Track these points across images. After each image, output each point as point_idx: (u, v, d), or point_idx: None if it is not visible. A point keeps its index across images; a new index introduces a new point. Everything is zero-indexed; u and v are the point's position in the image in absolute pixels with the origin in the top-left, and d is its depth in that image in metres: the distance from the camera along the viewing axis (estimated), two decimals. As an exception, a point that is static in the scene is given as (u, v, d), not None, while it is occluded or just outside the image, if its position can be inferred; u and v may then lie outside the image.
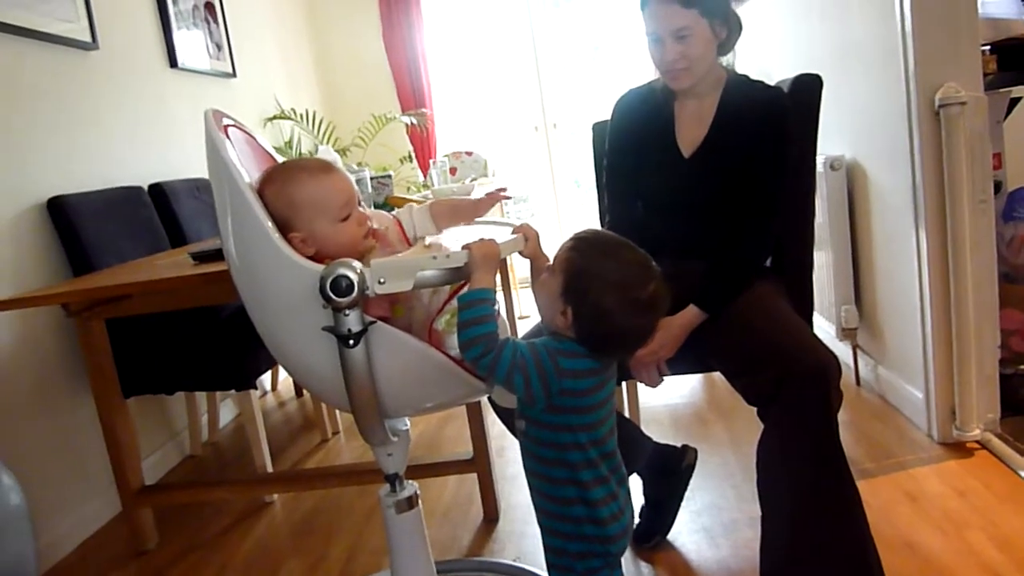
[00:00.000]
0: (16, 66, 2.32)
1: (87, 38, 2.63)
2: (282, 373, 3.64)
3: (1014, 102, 2.36)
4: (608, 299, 1.13)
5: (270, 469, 2.41)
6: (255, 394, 2.37)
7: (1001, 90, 2.23)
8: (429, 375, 1.22)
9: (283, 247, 1.15)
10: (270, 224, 1.16)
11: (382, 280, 1.12)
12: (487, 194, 1.42)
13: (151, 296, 1.99)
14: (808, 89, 1.73)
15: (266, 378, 3.57)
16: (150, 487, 2.22)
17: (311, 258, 1.17)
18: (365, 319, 1.14)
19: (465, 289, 1.19)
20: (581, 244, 1.18)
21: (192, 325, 2.43)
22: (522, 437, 1.25)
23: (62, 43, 2.51)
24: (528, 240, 1.28)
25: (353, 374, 1.16)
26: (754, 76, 1.70)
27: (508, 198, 1.50)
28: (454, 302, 1.28)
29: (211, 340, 2.42)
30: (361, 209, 1.27)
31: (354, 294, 1.11)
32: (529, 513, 2.09)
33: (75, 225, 2.33)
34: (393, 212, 1.41)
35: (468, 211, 1.43)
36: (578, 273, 1.15)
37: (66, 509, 2.25)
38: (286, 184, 1.21)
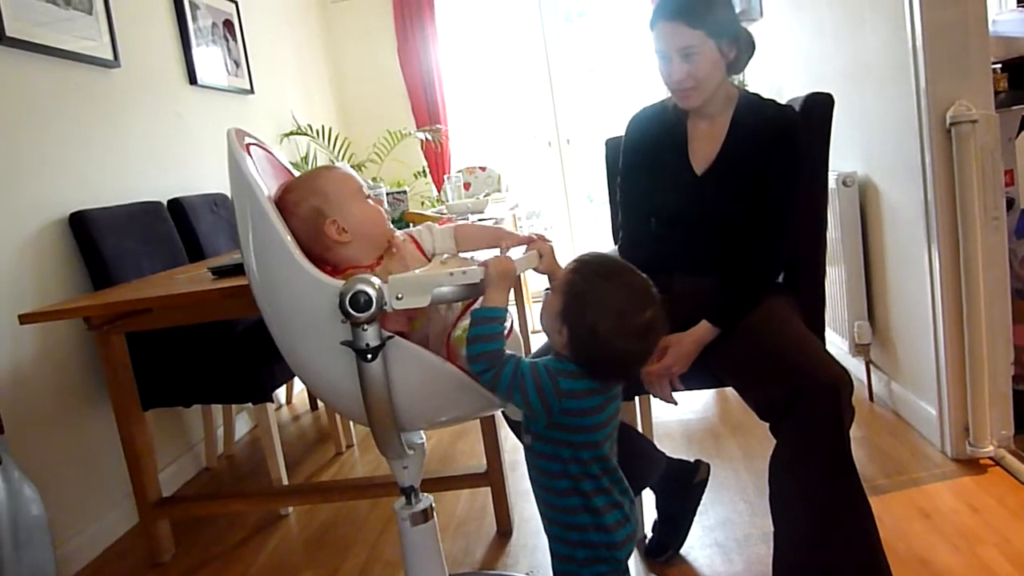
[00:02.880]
0: (40, 83, 2.37)
1: (109, 56, 2.69)
2: (297, 386, 3.67)
3: (1026, 119, 2.37)
4: (603, 323, 1.14)
5: (285, 482, 2.43)
6: (271, 407, 2.40)
7: (1013, 108, 2.23)
8: (445, 389, 1.25)
9: (303, 262, 1.18)
10: (290, 239, 1.19)
11: (399, 296, 1.15)
12: (531, 238, 1.36)
13: (171, 310, 2.02)
14: (820, 108, 1.74)
15: (281, 391, 3.60)
16: (167, 499, 2.25)
17: (342, 253, 1.25)
18: (383, 334, 1.17)
19: (478, 304, 1.22)
20: (582, 267, 1.20)
21: (209, 339, 2.46)
22: (527, 450, 1.28)
23: (85, 61, 2.57)
24: (543, 256, 1.30)
25: (371, 388, 1.19)
26: (766, 93, 1.72)
27: (548, 244, 1.38)
28: (469, 315, 1.30)
29: (228, 354, 2.44)
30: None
31: (372, 309, 1.13)
32: (542, 527, 2.10)
33: (96, 240, 2.38)
34: (409, 229, 1.43)
35: (498, 240, 1.40)
36: (576, 295, 1.17)
37: (84, 521, 2.28)
38: (309, 180, 1.31)
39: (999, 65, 2.05)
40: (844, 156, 2.58)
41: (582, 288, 1.17)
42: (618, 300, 1.16)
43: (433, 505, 1.43)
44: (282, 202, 1.27)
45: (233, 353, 2.44)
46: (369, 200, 1.33)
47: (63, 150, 2.43)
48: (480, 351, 1.16)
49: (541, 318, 1.23)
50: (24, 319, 1.90)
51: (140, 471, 2.13)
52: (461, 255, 1.40)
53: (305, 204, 1.26)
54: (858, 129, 2.50)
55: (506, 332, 1.25)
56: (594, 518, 1.21)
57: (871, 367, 2.65)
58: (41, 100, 2.37)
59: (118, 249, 2.44)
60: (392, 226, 1.38)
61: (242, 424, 3.21)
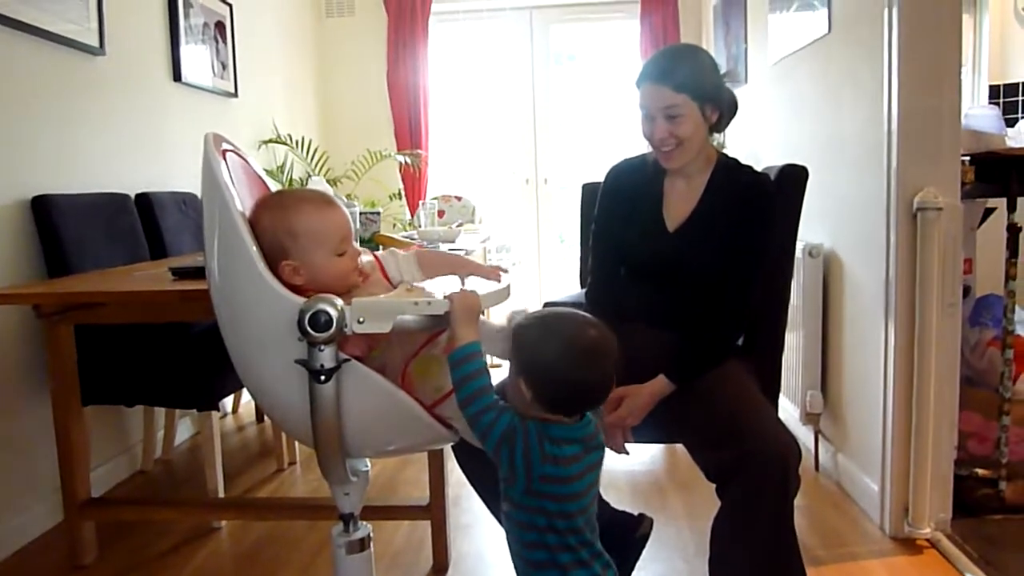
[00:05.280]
0: (20, 63, 2.33)
1: (95, 43, 2.65)
2: (244, 397, 3.59)
3: (988, 212, 2.44)
4: (549, 352, 1.17)
5: (221, 494, 2.37)
6: (215, 415, 2.34)
7: (977, 199, 2.31)
8: (397, 419, 1.23)
9: (266, 275, 1.16)
10: (255, 250, 1.17)
11: (361, 320, 1.13)
12: (491, 267, 1.40)
13: (126, 307, 1.98)
14: (794, 179, 1.79)
15: (228, 400, 3.53)
16: (96, 499, 2.17)
17: (297, 288, 1.18)
18: (340, 356, 1.15)
19: (441, 340, 1.20)
20: (524, 321, 1.22)
21: (161, 339, 2.41)
22: (504, 520, 1.26)
23: (69, 45, 2.53)
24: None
25: (320, 410, 1.16)
26: (743, 158, 1.76)
27: (500, 277, 1.43)
28: (431, 348, 1.29)
29: (179, 356, 2.39)
30: (355, 246, 1.30)
31: (331, 330, 1.11)
32: (479, 564, 2.07)
33: (57, 226, 2.32)
34: (377, 253, 1.42)
35: (459, 268, 1.42)
36: (521, 343, 1.20)
37: (7, 512, 2.19)
38: (288, 212, 1.23)
39: (968, 157, 2.12)
40: (812, 227, 2.64)
41: (524, 335, 1.20)
42: (557, 329, 1.19)
43: (371, 534, 1.40)
44: (254, 218, 1.23)
45: (184, 357, 2.39)
46: (350, 249, 1.26)
47: (35, 132, 2.38)
48: (470, 391, 1.15)
49: (507, 393, 1.22)
50: (-29, 299, 1.85)
51: (71, 468, 2.05)
52: (426, 282, 1.39)
53: (271, 234, 1.21)
54: (827, 202, 2.56)
55: None
56: None
57: (820, 437, 2.68)
58: (19, 80, 2.32)
59: (78, 238, 2.39)
60: (360, 250, 1.34)
61: (184, 429, 3.13)
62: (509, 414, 1.16)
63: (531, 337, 1.19)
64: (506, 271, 1.41)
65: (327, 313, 1.11)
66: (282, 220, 1.22)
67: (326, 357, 1.13)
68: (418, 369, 1.28)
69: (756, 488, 1.38)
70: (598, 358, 1.19)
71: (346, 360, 1.16)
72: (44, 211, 2.31)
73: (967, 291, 2.38)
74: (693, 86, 1.58)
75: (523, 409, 1.19)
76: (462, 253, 2.69)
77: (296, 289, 1.18)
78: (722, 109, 1.66)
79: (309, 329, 1.11)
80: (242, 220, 1.18)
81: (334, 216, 1.26)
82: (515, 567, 1.27)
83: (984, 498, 2.24)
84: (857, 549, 2.10)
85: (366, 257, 1.38)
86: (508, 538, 1.26)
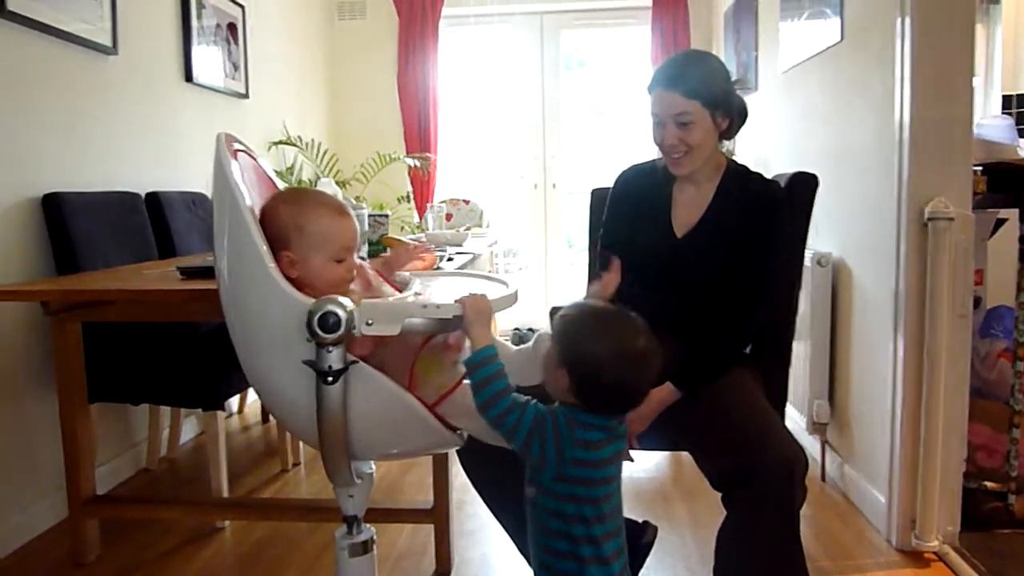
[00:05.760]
0: (34, 61, 2.34)
1: (108, 42, 2.66)
2: (250, 397, 3.60)
3: (1000, 223, 2.43)
4: (600, 351, 1.17)
5: (225, 494, 2.37)
6: (221, 415, 2.35)
7: (988, 210, 2.30)
8: (403, 422, 1.22)
9: (276, 275, 1.16)
10: (266, 249, 1.17)
11: (370, 322, 1.13)
12: (413, 247, 1.47)
13: (134, 305, 1.98)
14: (804, 187, 1.78)
15: (233, 400, 3.53)
16: (100, 497, 2.18)
17: (291, 279, 1.20)
18: (347, 358, 1.15)
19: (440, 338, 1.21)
20: (569, 312, 1.24)
21: (168, 338, 2.41)
22: (530, 506, 1.26)
23: (82, 44, 2.54)
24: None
25: (327, 411, 1.16)
26: (753, 165, 1.75)
27: (426, 258, 1.55)
28: (432, 346, 1.29)
29: (185, 356, 2.39)
30: (355, 258, 1.31)
31: (340, 332, 1.11)
32: (482, 570, 2.07)
33: (67, 223, 2.33)
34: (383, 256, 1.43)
35: (395, 263, 1.49)
36: (572, 335, 1.20)
37: (10, 508, 2.20)
38: (303, 209, 1.26)
39: (980, 167, 2.11)
40: (821, 236, 2.63)
41: (576, 328, 1.20)
42: (609, 329, 1.20)
43: (375, 537, 1.40)
44: (269, 207, 1.26)
45: (191, 356, 2.39)
46: (349, 259, 1.28)
47: (47, 130, 2.39)
48: (490, 394, 1.16)
49: (542, 374, 1.23)
50: (-20, 295, 1.85)
51: (76, 465, 2.06)
52: (432, 284, 1.40)
53: (280, 223, 1.24)
54: (837, 211, 2.55)
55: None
56: None
57: (826, 447, 2.66)
58: (33, 78, 2.33)
59: (88, 236, 2.39)
60: (359, 264, 1.36)
61: (189, 429, 3.14)
62: (533, 408, 1.17)
63: (583, 334, 1.19)
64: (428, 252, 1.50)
65: (336, 315, 1.11)
66: (295, 215, 1.25)
67: (334, 358, 1.13)
68: (421, 368, 1.27)
69: (762, 497, 1.37)
70: (645, 366, 1.21)
71: (354, 362, 1.16)
72: (54, 209, 2.32)
73: (978, 302, 2.36)
74: (704, 93, 1.58)
75: (557, 395, 1.20)
76: (469, 257, 2.69)
77: (291, 282, 1.20)
78: (732, 116, 1.65)
79: (318, 330, 1.11)
80: (253, 220, 1.18)
81: (344, 224, 1.28)
82: (532, 556, 1.27)
83: (993, 512, 2.22)
84: (863, 561, 2.09)
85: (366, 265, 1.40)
86: (530, 525, 1.26)
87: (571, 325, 1.21)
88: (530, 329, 4.87)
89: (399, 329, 1.13)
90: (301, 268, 1.23)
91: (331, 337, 1.11)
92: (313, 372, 1.14)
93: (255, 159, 1.39)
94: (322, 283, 1.23)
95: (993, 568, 1.97)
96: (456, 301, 1.16)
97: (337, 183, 3.82)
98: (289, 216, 1.24)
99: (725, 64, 1.72)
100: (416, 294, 1.31)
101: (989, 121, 2.50)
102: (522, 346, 1.38)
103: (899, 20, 2.07)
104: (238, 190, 1.18)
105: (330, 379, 1.14)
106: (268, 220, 1.24)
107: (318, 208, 1.27)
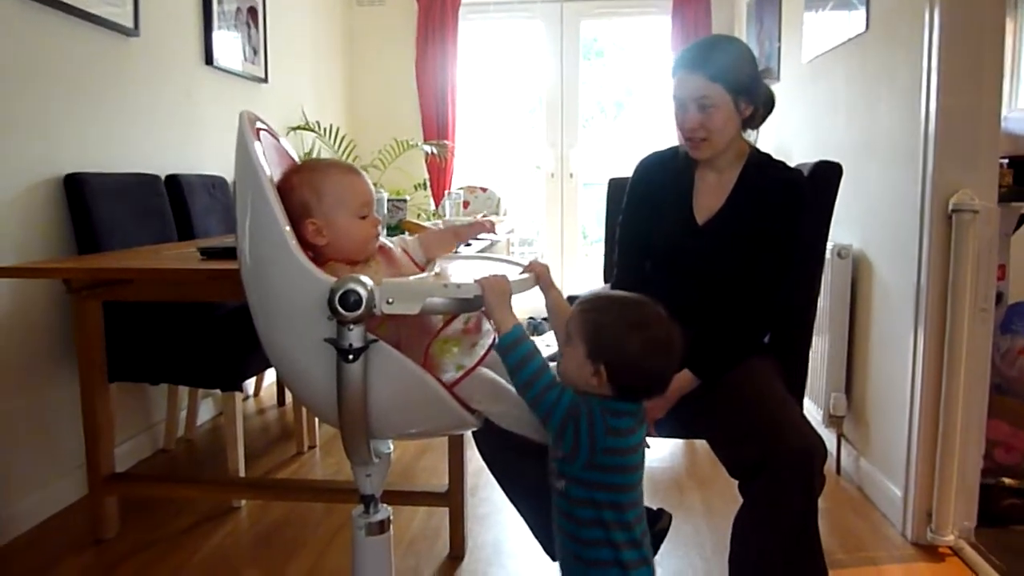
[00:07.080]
0: (57, 42, 2.35)
1: (130, 24, 2.67)
2: (266, 379, 3.62)
3: (1023, 218, 2.40)
4: (632, 343, 1.17)
5: (242, 474, 2.39)
6: (238, 396, 2.36)
7: (1013, 204, 2.26)
8: (422, 401, 1.23)
9: (298, 253, 1.16)
10: (288, 228, 1.17)
11: (391, 300, 1.13)
12: (475, 221, 1.47)
13: (154, 284, 2.00)
14: (827, 177, 1.76)
15: (250, 383, 3.55)
16: (119, 475, 2.20)
17: (320, 249, 1.22)
18: (368, 337, 1.15)
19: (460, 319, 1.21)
20: (591, 304, 1.23)
21: (187, 319, 2.43)
22: (558, 496, 1.25)
23: (104, 25, 2.55)
24: (540, 277, 1.31)
25: (347, 390, 1.16)
26: (775, 154, 1.73)
27: (493, 231, 1.57)
28: (450, 329, 1.29)
29: (205, 337, 2.41)
30: (375, 215, 1.32)
31: (361, 310, 1.11)
32: (495, 554, 2.07)
33: (88, 204, 2.35)
34: (403, 237, 1.43)
35: (454, 237, 1.51)
36: (598, 329, 1.19)
37: (31, 485, 2.22)
38: (316, 174, 1.29)
39: (1006, 160, 2.08)
40: (842, 227, 2.60)
41: (601, 321, 1.20)
42: (637, 319, 1.20)
43: (391, 517, 1.40)
44: (284, 179, 1.27)
45: (210, 337, 2.41)
46: (371, 215, 1.30)
47: (69, 111, 2.40)
48: (528, 375, 1.16)
49: (563, 371, 1.23)
50: (3, 272, 1.87)
51: (96, 443, 2.08)
52: (451, 265, 1.41)
53: (297, 193, 1.26)
54: (858, 203, 2.52)
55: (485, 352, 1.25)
56: (623, 573, 1.20)
57: (842, 440, 2.65)
58: (55, 59, 2.34)
59: (109, 216, 2.41)
60: (384, 238, 1.38)
61: (206, 410, 3.16)
62: (568, 394, 1.17)
63: (615, 328, 1.19)
64: (492, 223, 1.53)
65: (357, 293, 1.11)
66: (310, 180, 1.27)
67: (355, 336, 1.13)
68: (437, 350, 1.27)
69: (780, 485, 1.37)
70: (674, 351, 1.21)
71: (374, 340, 1.16)
72: (76, 189, 2.34)
73: (1000, 298, 2.33)
74: (728, 77, 1.56)
75: (587, 389, 1.19)
76: (486, 244, 2.68)
77: (317, 251, 1.23)
78: (757, 104, 1.64)
79: (339, 308, 1.11)
80: (275, 197, 1.18)
81: (359, 181, 1.31)
82: (558, 547, 1.27)
83: (1010, 508, 2.20)
84: (877, 554, 2.08)
85: (389, 241, 1.39)
86: (558, 516, 1.26)
87: (599, 318, 1.20)
88: (544, 319, 4.86)
89: (419, 308, 1.13)
90: (328, 231, 1.25)
91: (352, 315, 1.11)
92: (334, 350, 1.15)
93: (276, 138, 1.39)
94: (350, 242, 1.27)
95: (1009, 564, 1.95)
96: (475, 281, 1.16)
97: (355, 169, 3.82)
98: (305, 184, 1.26)
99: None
100: (435, 275, 1.31)
101: (1016, 114, 2.46)
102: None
103: (927, 10, 2.04)
104: (260, 168, 1.18)
105: (351, 357, 1.14)
106: (285, 194, 1.24)
107: (329, 169, 1.31)
